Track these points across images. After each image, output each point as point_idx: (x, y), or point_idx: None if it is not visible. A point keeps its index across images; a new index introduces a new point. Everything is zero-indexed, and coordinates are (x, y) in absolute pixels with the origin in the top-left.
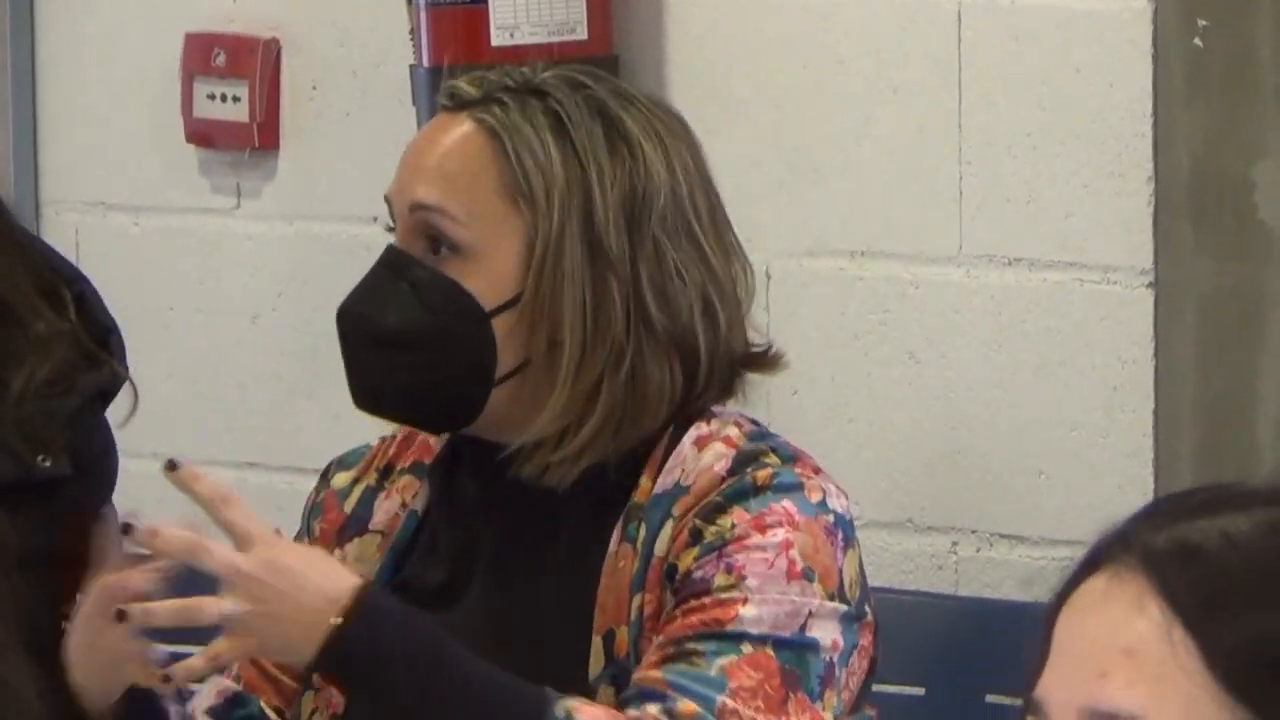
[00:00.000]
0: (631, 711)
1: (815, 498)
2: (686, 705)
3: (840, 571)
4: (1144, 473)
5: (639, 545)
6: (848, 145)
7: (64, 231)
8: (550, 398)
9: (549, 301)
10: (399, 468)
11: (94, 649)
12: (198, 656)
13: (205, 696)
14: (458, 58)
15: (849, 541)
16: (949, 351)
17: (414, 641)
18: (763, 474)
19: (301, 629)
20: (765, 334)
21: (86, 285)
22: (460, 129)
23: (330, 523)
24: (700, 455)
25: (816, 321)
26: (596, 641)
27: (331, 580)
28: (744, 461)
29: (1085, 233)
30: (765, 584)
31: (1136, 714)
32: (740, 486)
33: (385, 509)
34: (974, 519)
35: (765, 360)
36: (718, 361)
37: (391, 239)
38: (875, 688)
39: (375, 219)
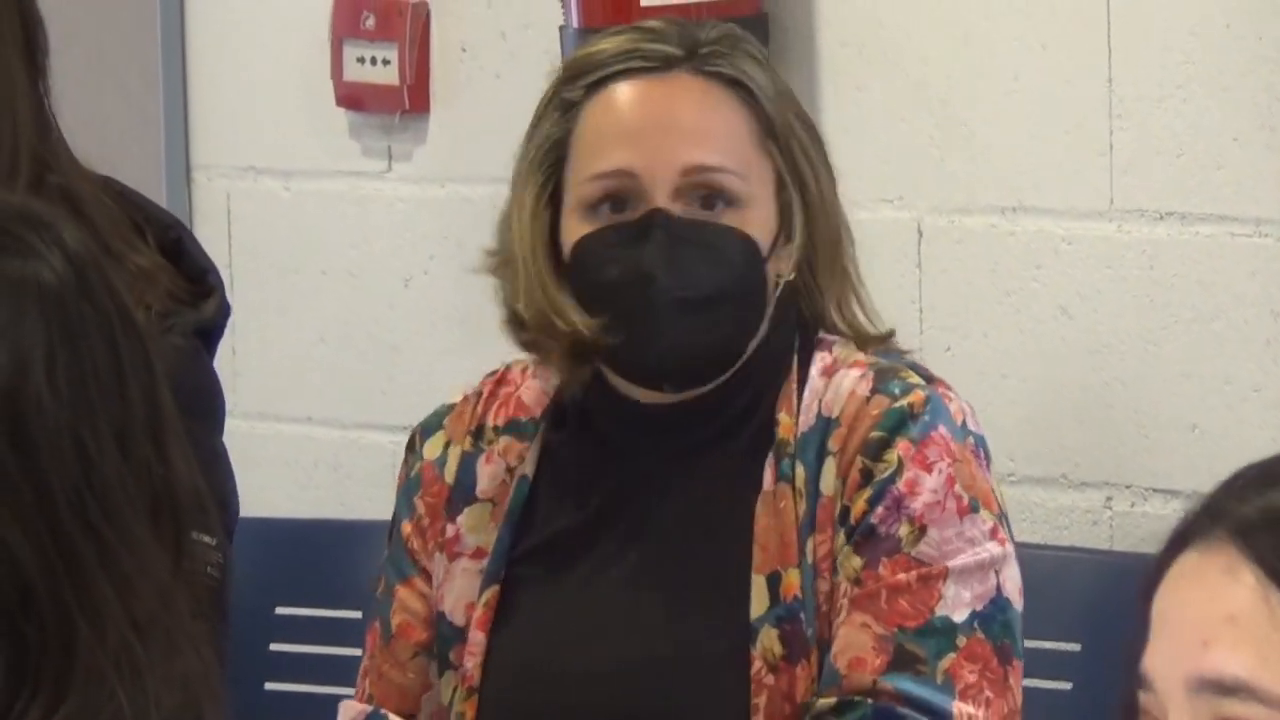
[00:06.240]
0: None
1: (960, 420)
2: None
3: (994, 492)
4: None
5: (800, 485)
6: (997, 100)
7: (215, 196)
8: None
9: (807, 237)
10: (492, 426)
11: None
12: None
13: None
14: (607, 18)
15: (988, 462)
16: (1101, 306)
17: None
18: (916, 400)
19: None
20: (918, 290)
21: (184, 231)
22: (696, 86)
23: (435, 495)
24: (835, 383)
25: (968, 278)
26: (758, 581)
27: None
28: (883, 378)
29: (1236, 186)
30: (944, 528)
31: (1242, 677)
32: (899, 416)
33: (489, 474)
34: (1128, 474)
35: None
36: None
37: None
38: (1030, 644)
39: None
